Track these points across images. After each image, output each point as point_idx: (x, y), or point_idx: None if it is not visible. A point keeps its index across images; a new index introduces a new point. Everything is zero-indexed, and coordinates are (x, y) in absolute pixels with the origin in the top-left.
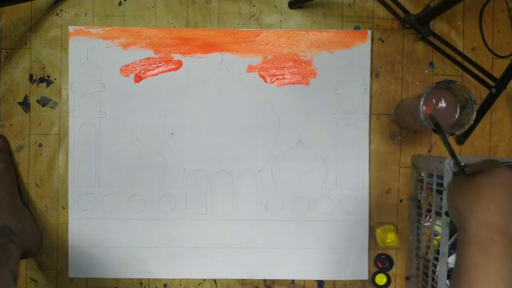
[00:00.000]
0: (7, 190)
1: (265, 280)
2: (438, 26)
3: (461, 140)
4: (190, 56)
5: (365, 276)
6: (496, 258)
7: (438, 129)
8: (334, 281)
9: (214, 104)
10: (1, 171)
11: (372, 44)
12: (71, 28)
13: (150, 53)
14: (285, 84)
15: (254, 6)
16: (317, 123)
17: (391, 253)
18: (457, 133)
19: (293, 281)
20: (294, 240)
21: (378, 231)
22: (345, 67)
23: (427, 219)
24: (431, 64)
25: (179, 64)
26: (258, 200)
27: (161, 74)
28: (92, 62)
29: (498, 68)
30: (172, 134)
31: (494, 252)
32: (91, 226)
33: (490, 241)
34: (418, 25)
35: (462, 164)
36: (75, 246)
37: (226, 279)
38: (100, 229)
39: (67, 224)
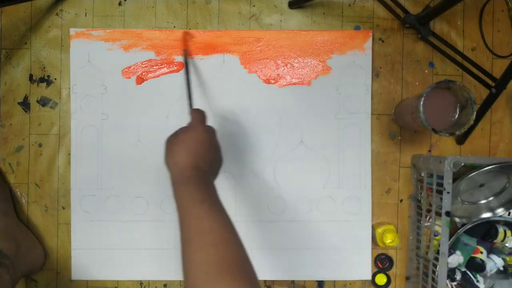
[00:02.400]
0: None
1: (265, 281)
2: (438, 26)
3: (461, 140)
4: (191, 58)
5: (368, 276)
6: (193, 184)
7: (186, 68)
8: (334, 281)
9: (215, 105)
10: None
11: (372, 44)
12: (72, 31)
13: (151, 55)
14: (286, 84)
15: (254, 6)
16: (319, 123)
17: (391, 253)
18: (457, 133)
19: (293, 281)
20: (297, 241)
21: (378, 231)
22: (346, 67)
23: (427, 219)
24: (431, 64)
25: (180, 65)
26: (260, 201)
27: (162, 76)
28: (93, 64)
29: (498, 68)
30: None
31: (191, 181)
32: (93, 228)
33: (187, 176)
34: (418, 25)
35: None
36: (78, 248)
37: None
38: (103, 231)
39: (67, 224)
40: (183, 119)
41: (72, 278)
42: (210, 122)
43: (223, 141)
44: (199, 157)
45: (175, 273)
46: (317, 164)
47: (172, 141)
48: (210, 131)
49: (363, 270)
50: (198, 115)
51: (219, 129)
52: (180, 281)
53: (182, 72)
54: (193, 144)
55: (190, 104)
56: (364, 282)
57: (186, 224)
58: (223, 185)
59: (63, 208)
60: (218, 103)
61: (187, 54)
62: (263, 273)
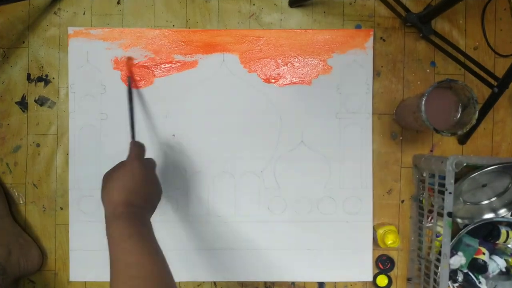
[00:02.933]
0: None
1: (265, 282)
2: (440, 25)
3: (463, 139)
4: (191, 57)
5: (369, 277)
6: (125, 222)
7: (129, 96)
8: (335, 282)
9: (215, 105)
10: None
11: (373, 43)
12: (70, 29)
13: (150, 54)
14: (287, 84)
15: (254, 4)
16: (320, 123)
17: (393, 254)
18: (459, 132)
19: (293, 283)
20: (298, 241)
21: (380, 232)
22: (347, 67)
23: (429, 219)
24: (433, 63)
25: (180, 65)
26: (260, 201)
27: (162, 75)
28: (92, 64)
29: (500, 67)
30: (174, 135)
31: (122, 218)
32: (92, 229)
33: (119, 213)
34: (420, 24)
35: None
36: (76, 249)
37: (226, 281)
38: (101, 232)
39: (65, 225)
40: (182, 119)
41: (70, 280)
42: (208, 123)
43: (223, 141)
44: (132, 193)
45: (176, 274)
46: (318, 164)
47: (108, 177)
48: (147, 166)
49: (364, 271)
50: (136, 149)
51: (219, 130)
52: (179, 283)
53: (126, 100)
54: (127, 180)
55: (132, 135)
56: (365, 283)
57: (114, 259)
58: (222, 185)
59: (61, 208)
60: (217, 102)
61: (131, 82)
62: (263, 274)
